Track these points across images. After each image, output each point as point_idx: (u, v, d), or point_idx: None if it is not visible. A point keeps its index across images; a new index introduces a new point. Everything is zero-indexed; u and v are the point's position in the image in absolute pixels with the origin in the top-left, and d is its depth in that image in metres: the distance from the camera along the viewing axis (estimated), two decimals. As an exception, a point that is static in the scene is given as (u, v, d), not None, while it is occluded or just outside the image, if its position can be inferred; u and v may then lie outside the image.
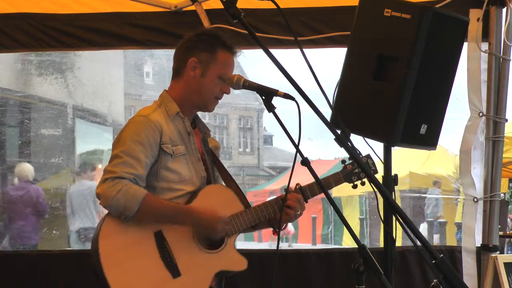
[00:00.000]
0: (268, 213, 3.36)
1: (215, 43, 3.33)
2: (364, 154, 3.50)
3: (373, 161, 3.55)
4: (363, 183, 3.54)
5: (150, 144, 3.19)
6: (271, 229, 3.48)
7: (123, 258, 3.10)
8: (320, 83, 2.83)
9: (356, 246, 2.57)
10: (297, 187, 3.44)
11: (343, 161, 3.55)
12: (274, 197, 3.55)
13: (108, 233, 3.12)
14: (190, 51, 3.33)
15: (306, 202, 3.44)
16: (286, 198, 3.36)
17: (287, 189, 3.42)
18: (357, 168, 3.52)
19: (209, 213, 3.23)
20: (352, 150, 2.73)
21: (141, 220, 3.14)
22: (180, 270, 3.15)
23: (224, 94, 3.38)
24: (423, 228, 16.15)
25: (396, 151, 3.78)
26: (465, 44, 4.35)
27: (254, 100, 31.12)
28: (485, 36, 4.55)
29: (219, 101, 3.43)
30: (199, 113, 3.51)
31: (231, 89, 3.29)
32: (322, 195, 3.13)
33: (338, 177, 3.52)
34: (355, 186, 3.55)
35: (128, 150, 3.16)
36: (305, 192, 3.42)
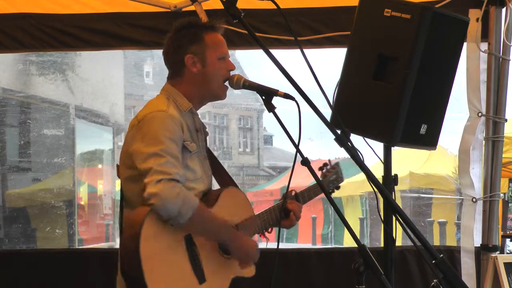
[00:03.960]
0: (273, 220, 3.37)
1: (198, 30, 3.26)
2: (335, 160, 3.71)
3: (341, 170, 3.74)
4: (333, 191, 3.69)
5: (178, 141, 3.10)
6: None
7: (160, 262, 3.03)
8: (320, 83, 2.83)
9: (356, 245, 2.58)
10: (293, 193, 3.47)
11: (320, 168, 3.65)
12: (274, 199, 3.58)
13: (149, 235, 2.99)
14: (181, 50, 3.25)
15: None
16: (285, 202, 3.38)
17: (285, 194, 3.44)
18: (332, 176, 3.68)
19: (250, 242, 3.23)
20: (352, 150, 2.73)
21: (187, 228, 3.05)
22: (206, 276, 3.11)
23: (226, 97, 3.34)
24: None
25: (396, 151, 3.79)
26: (465, 44, 4.35)
27: (254, 100, 31.14)
28: (485, 36, 4.55)
29: (220, 101, 3.41)
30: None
31: (232, 90, 3.29)
32: (322, 194, 3.14)
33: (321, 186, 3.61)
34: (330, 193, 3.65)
35: (167, 149, 3.03)
36: (299, 199, 3.48)
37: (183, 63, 3.24)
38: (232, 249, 3.18)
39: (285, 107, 3.21)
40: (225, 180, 3.41)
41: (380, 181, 3.34)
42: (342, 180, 3.74)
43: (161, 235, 3.03)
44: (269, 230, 3.41)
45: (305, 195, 3.52)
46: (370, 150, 3.57)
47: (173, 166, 3.01)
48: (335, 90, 3.60)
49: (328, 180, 3.66)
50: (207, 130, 3.42)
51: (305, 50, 2.86)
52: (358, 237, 2.62)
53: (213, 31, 3.29)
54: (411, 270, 4.71)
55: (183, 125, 3.16)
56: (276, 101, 2.97)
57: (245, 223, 3.28)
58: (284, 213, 3.40)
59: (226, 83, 3.27)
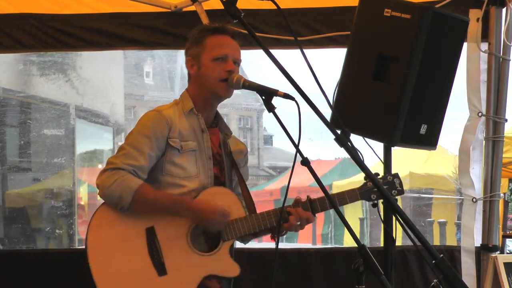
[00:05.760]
0: (270, 223, 3.27)
1: (201, 34, 3.36)
2: (371, 155, 3.45)
3: (400, 181, 3.39)
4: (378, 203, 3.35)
5: (157, 137, 3.21)
6: (270, 234, 3.40)
7: (110, 250, 3.13)
8: (320, 83, 2.84)
9: (356, 245, 2.58)
10: (307, 199, 3.30)
11: (365, 178, 3.25)
12: (274, 199, 3.53)
13: (98, 224, 3.15)
14: (185, 54, 3.40)
15: (314, 215, 3.29)
16: (283, 209, 3.24)
17: (296, 198, 3.30)
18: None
19: (207, 204, 3.20)
20: (352, 150, 2.73)
21: (137, 210, 3.14)
22: (167, 269, 3.15)
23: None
24: None
25: (396, 151, 3.79)
26: (465, 45, 4.35)
27: (254, 100, 31.13)
28: (485, 36, 4.55)
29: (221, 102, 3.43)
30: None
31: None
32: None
33: (354, 194, 3.34)
34: (374, 205, 3.35)
35: (132, 142, 3.21)
36: (314, 205, 3.28)
37: (186, 65, 3.39)
38: (192, 219, 3.19)
39: (285, 107, 3.22)
40: (240, 186, 3.41)
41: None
42: (400, 193, 3.37)
43: (115, 225, 3.15)
44: (283, 233, 3.30)
45: (325, 202, 3.28)
46: (370, 150, 3.56)
47: (129, 157, 3.17)
48: (335, 90, 3.61)
49: (369, 189, 3.33)
50: (228, 133, 3.44)
51: (305, 50, 2.86)
52: (358, 237, 2.62)
53: (217, 33, 3.36)
54: (411, 270, 4.70)
55: (175, 124, 3.24)
56: (276, 101, 2.97)
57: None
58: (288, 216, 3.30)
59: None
